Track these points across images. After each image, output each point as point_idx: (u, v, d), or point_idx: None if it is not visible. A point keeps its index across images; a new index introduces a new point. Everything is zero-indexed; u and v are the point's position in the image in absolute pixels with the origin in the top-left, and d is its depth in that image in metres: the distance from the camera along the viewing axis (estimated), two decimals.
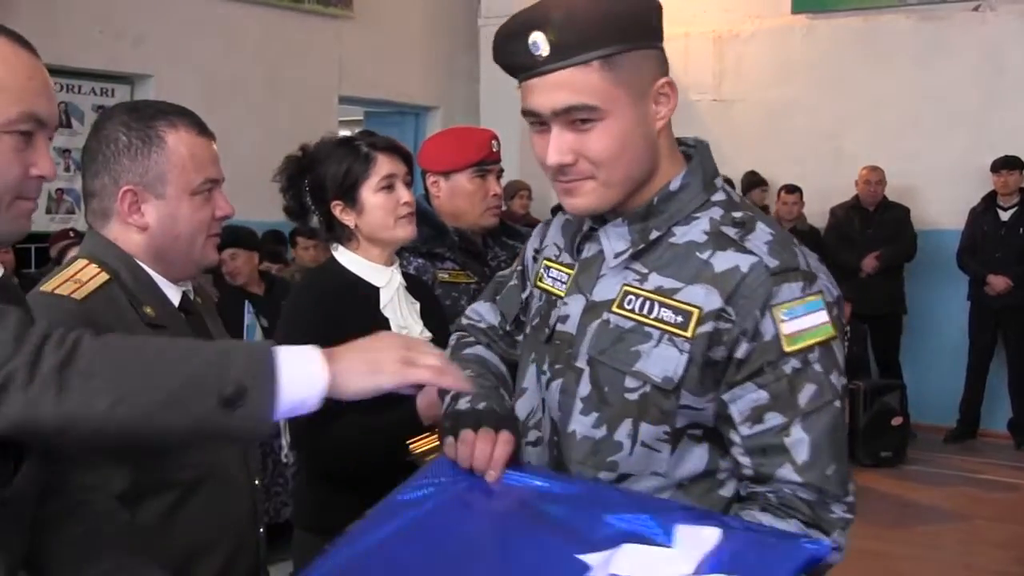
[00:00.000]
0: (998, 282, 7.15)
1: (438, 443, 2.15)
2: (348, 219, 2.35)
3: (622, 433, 1.49)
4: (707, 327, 1.44)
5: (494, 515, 1.46)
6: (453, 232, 2.82)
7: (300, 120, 7.26)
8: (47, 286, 1.75)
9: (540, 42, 1.42)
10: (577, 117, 1.44)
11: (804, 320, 1.43)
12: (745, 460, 1.45)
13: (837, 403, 1.45)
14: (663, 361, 1.45)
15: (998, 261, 7.18)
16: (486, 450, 1.47)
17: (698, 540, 1.29)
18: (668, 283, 1.48)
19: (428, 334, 2.38)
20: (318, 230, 2.46)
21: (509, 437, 1.49)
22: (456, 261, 2.80)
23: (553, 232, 1.71)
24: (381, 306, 2.35)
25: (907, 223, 7.53)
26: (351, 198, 2.34)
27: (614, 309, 1.51)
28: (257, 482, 1.99)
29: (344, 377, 1.31)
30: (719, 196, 1.54)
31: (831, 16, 8.14)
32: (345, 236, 2.38)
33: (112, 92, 7.27)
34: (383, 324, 2.33)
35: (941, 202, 7.69)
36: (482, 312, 1.85)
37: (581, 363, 1.52)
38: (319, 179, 2.36)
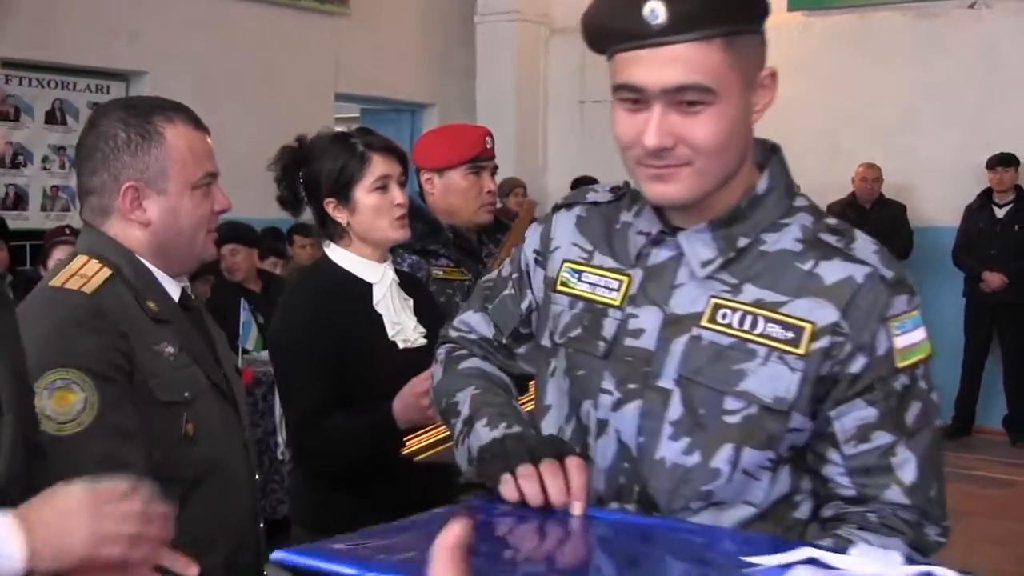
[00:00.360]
0: (993, 279, 7.17)
1: (433, 440, 2.16)
2: (340, 217, 2.36)
3: (721, 459, 1.35)
4: (822, 343, 1.33)
5: (603, 532, 1.27)
6: (447, 229, 2.82)
7: (296, 117, 7.19)
8: (55, 281, 1.76)
9: (659, 9, 1.26)
10: (687, 98, 1.29)
11: (913, 335, 1.36)
12: (845, 480, 1.36)
13: (937, 422, 1.39)
14: (773, 380, 1.33)
15: (994, 258, 7.20)
16: (559, 482, 1.28)
17: (881, 555, 1.14)
18: (769, 296, 1.35)
19: (422, 330, 2.38)
20: (313, 227, 2.47)
21: (580, 463, 1.31)
22: (450, 258, 2.80)
23: (565, 231, 1.54)
24: (374, 303, 2.35)
25: (903, 220, 7.54)
26: (344, 196, 2.34)
27: (705, 324, 1.36)
28: (257, 477, 2.00)
29: (35, 559, 1.24)
30: (802, 202, 1.43)
31: (827, 13, 8.15)
32: (337, 233, 2.38)
33: (107, 89, 7.26)
34: (376, 321, 2.34)
35: (937, 199, 7.71)
36: (472, 323, 1.67)
37: (666, 383, 1.37)
38: (314, 174, 2.36)
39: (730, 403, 1.35)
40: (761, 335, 1.34)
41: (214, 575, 1.81)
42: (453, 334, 1.69)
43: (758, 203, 1.39)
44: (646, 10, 1.27)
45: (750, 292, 1.36)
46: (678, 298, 1.39)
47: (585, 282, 1.48)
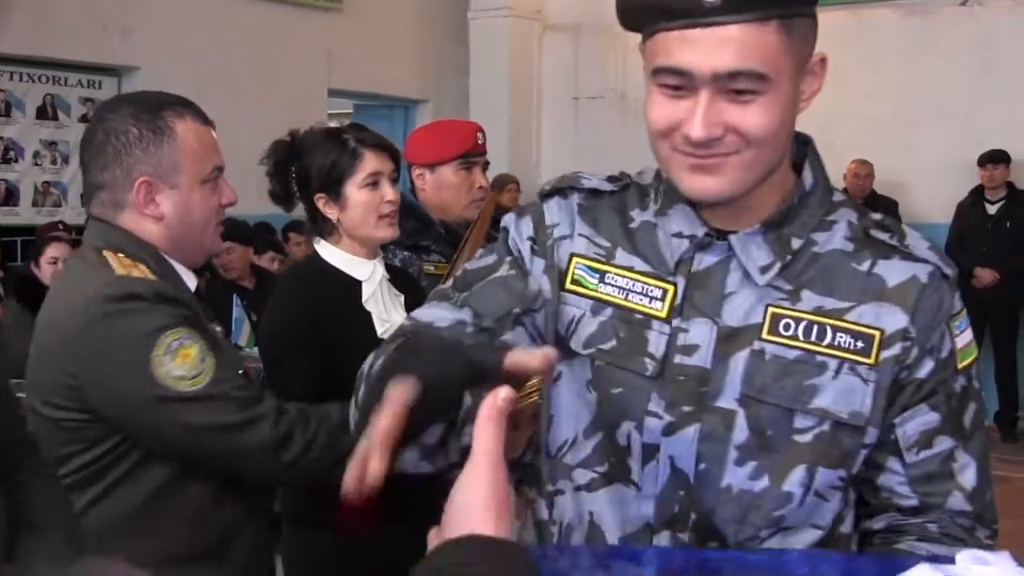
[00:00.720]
0: (985, 275, 7.19)
1: None
2: (331, 212, 2.36)
3: (793, 482, 1.26)
4: (893, 350, 1.25)
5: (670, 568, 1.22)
6: (439, 224, 2.82)
7: (289, 113, 7.19)
8: (120, 271, 1.78)
9: None
10: (738, 86, 1.17)
11: (967, 334, 1.30)
12: (905, 490, 1.29)
13: (987, 422, 1.35)
14: (847, 394, 1.24)
15: (985, 255, 7.22)
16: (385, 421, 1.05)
17: (992, 558, 1.08)
18: (831, 302, 1.25)
19: None
20: (305, 224, 2.48)
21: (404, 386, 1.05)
22: (442, 253, 2.80)
23: (566, 220, 1.37)
24: (363, 300, 2.35)
25: (896, 217, 7.55)
26: (335, 192, 2.34)
27: (766, 336, 1.25)
28: None
29: None
30: (840, 196, 1.35)
31: (820, 11, 8.09)
32: (327, 229, 2.38)
33: (99, 84, 7.25)
34: (365, 318, 2.34)
35: (929, 196, 7.73)
36: (436, 313, 1.34)
37: (728, 403, 1.25)
38: (305, 169, 2.37)
39: (800, 421, 1.25)
40: (830, 346, 1.25)
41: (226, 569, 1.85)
42: (407, 324, 1.36)
43: (806, 201, 1.30)
44: None
45: (809, 299, 1.26)
46: (731, 308, 1.27)
47: (611, 285, 1.32)
